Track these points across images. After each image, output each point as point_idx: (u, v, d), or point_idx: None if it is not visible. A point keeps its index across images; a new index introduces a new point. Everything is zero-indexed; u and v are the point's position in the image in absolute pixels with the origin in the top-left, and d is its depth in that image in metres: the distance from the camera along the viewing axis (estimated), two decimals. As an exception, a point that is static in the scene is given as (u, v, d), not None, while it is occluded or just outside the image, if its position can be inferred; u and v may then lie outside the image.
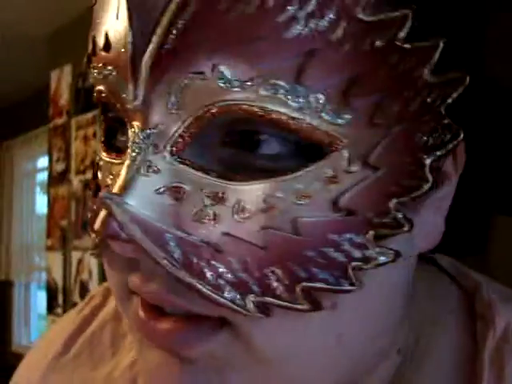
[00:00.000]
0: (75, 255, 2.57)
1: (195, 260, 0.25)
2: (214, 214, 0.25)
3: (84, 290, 2.48)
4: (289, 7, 0.23)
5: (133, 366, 0.40)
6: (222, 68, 0.24)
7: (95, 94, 0.30)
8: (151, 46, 0.25)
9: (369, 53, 0.24)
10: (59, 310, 2.70)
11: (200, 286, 0.25)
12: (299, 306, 0.25)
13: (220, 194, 0.25)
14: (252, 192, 0.25)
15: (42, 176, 3.70)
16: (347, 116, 0.25)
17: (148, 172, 0.26)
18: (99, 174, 0.31)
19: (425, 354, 0.33)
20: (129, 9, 0.25)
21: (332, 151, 0.25)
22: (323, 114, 0.24)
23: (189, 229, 0.25)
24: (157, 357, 0.29)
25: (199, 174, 0.25)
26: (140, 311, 0.29)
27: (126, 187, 0.25)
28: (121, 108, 0.27)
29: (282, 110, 0.24)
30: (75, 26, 2.62)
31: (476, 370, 0.32)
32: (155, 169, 0.26)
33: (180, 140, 0.26)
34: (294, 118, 0.24)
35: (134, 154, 0.26)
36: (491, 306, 0.34)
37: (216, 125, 0.25)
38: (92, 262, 2.46)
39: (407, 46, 0.24)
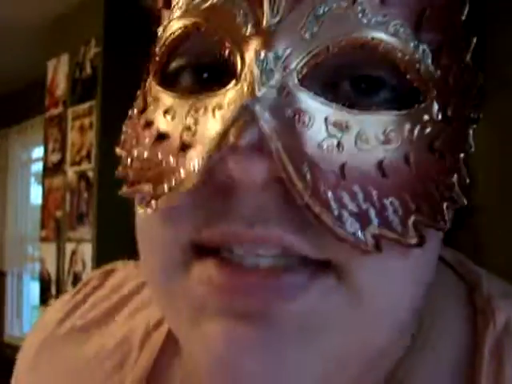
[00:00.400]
0: (69, 246, 2.57)
1: (322, 187, 0.25)
2: (338, 143, 0.25)
3: (77, 281, 2.48)
4: None
5: (122, 343, 0.39)
6: (362, 1, 0.26)
7: (169, 36, 0.29)
8: None
9: (457, 21, 0.28)
10: (52, 302, 2.69)
11: (325, 217, 0.25)
12: (411, 241, 0.26)
13: (344, 123, 0.26)
14: (373, 123, 0.26)
15: (37, 166, 3.69)
16: (438, 71, 0.27)
17: (280, 91, 0.25)
18: (163, 120, 0.28)
19: (425, 345, 0.33)
20: None
21: (426, 99, 0.27)
22: (427, 64, 0.27)
23: (315, 156, 0.25)
24: (225, 327, 0.26)
25: (323, 100, 0.26)
26: (214, 271, 0.27)
27: (258, 101, 0.24)
28: (231, 40, 0.26)
29: (401, 48, 0.26)
30: (73, 16, 2.60)
31: (476, 363, 0.32)
32: (286, 91, 0.25)
33: (306, 66, 0.26)
34: (408, 59, 0.26)
35: (261, 72, 0.25)
36: (491, 300, 0.34)
37: (337, 59, 0.26)
38: (86, 254, 2.45)
39: None
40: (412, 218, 0.26)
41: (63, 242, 2.62)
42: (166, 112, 0.28)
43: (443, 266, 0.37)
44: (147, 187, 0.27)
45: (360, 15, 0.26)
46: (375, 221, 0.25)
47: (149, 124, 0.29)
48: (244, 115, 0.24)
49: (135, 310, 0.41)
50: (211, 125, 0.26)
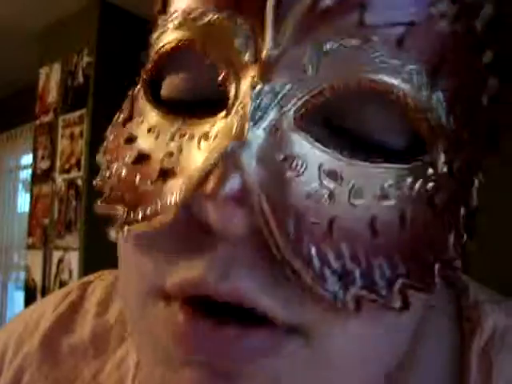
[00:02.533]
0: (56, 254, 2.54)
1: (306, 243, 0.23)
2: (330, 194, 0.23)
3: (63, 290, 2.45)
4: (441, 2, 0.25)
5: (119, 366, 0.38)
6: (377, 41, 0.23)
7: (161, 48, 0.27)
8: (306, 0, 0.23)
9: (474, 65, 0.26)
10: (37, 310, 2.66)
11: (305, 274, 0.23)
12: (394, 304, 0.24)
13: (339, 173, 0.23)
14: (371, 177, 0.24)
15: (25, 174, 3.65)
16: (451, 120, 0.25)
17: (272, 134, 0.23)
18: (145, 139, 0.26)
19: (412, 354, 0.33)
20: None
21: (433, 151, 0.25)
22: (439, 113, 0.25)
23: (303, 207, 0.23)
24: (194, 376, 0.25)
25: (319, 146, 0.23)
26: (181, 318, 0.24)
27: (247, 145, 0.22)
28: (225, 64, 0.24)
29: (414, 96, 0.24)
30: (66, 24, 2.60)
31: (463, 371, 0.32)
32: (279, 133, 0.23)
33: (304, 106, 0.23)
34: (420, 108, 0.24)
35: (255, 109, 0.22)
36: (478, 307, 0.34)
37: (339, 101, 0.24)
38: (73, 262, 2.43)
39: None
40: (399, 282, 0.24)
41: (50, 250, 2.59)
42: (149, 130, 0.26)
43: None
44: (121, 210, 0.26)
45: (372, 56, 0.23)
46: (359, 282, 0.23)
47: (131, 139, 0.27)
48: (227, 161, 0.22)
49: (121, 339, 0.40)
50: (194, 157, 0.24)
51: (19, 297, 3.33)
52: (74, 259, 2.43)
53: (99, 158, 0.30)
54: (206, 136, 0.24)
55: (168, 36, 0.27)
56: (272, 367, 0.25)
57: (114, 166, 0.28)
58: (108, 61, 2.42)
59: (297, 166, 0.23)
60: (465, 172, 0.27)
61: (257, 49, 0.23)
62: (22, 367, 0.40)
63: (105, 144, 0.30)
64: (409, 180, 0.24)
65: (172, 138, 0.25)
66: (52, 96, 2.69)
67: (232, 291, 0.24)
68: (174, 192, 0.24)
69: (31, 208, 2.80)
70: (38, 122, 2.78)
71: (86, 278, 0.45)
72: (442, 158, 0.25)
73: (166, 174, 0.25)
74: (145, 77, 0.28)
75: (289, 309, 0.24)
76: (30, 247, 2.78)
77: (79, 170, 2.46)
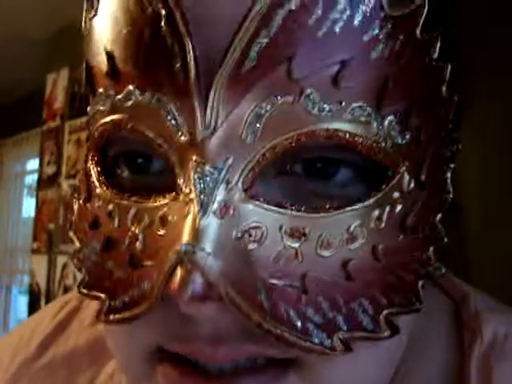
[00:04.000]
0: (61, 259, 2.54)
1: (283, 307, 0.23)
2: (296, 253, 0.23)
3: (67, 295, 2.45)
4: (373, 27, 0.23)
5: (112, 377, 0.38)
6: (311, 91, 0.22)
7: (99, 127, 0.26)
8: (225, 65, 0.22)
9: (424, 71, 0.25)
10: (40, 315, 2.66)
11: (288, 336, 0.23)
12: (384, 334, 0.24)
13: (301, 230, 0.23)
14: (335, 223, 0.23)
15: (31, 179, 3.67)
16: (407, 136, 0.24)
17: (223, 215, 0.22)
18: (108, 223, 0.26)
19: (412, 363, 0.33)
20: (183, 16, 0.22)
21: (396, 173, 0.24)
22: (393, 136, 0.24)
23: (272, 273, 0.23)
24: None
25: (275, 209, 0.23)
26: (177, 378, 0.26)
27: (198, 236, 0.22)
28: (163, 140, 0.23)
29: (362, 133, 0.23)
30: (74, 30, 2.62)
31: (463, 380, 0.32)
32: (231, 210, 0.22)
33: (251, 173, 0.23)
34: (371, 143, 0.23)
35: (200, 193, 0.22)
36: (478, 316, 0.34)
37: (284, 153, 0.23)
38: (77, 268, 2.43)
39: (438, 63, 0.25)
40: (384, 313, 0.24)
41: (55, 255, 2.59)
42: (109, 214, 0.26)
43: (429, 285, 0.37)
44: (103, 297, 0.26)
45: (310, 107, 0.22)
46: (343, 326, 0.24)
47: (95, 225, 0.27)
48: (185, 263, 0.22)
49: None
50: (157, 243, 0.24)
51: (23, 301, 3.34)
52: (78, 264, 2.43)
53: (71, 235, 0.30)
54: (161, 220, 0.24)
55: (101, 117, 0.26)
56: None
57: (86, 251, 0.28)
58: (115, 67, 2.43)
59: (256, 235, 0.23)
60: (435, 173, 0.26)
61: (189, 128, 0.23)
62: (18, 375, 0.41)
63: (73, 221, 0.30)
64: (375, 213, 0.24)
65: (132, 223, 0.25)
66: (59, 102, 2.71)
67: (230, 354, 0.25)
68: (146, 282, 0.24)
69: (37, 213, 2.81)
70: (44, 127, 2.80)
71: None
72: (407, 177, 0.25)
73: (134, 260, 0.25)
74: (91, 156, 0.28)
75: (284, 349, 0.24)
76: (34, 252, 2.79)
77: (85, 175, 2.47)
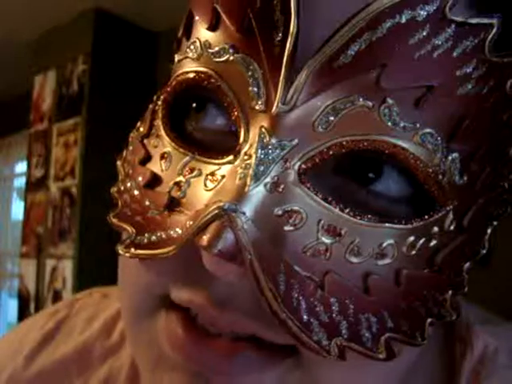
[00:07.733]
0: (49, 263, 2.52)
1: (296, 295, 0.23)
2: (326, 249, 0.23)
3: (57, 298, 2.43)
4: (468, 64, 0.23)
5: (106, 381, 0.38)
6: (392, 104, 0.23)
7: (182, 74, 0.27)
8: (322, 52, 0.22)
9: (499, 125, 0.25)
10: (30, 319, 2.63)
11: (291, 324, 0.23)
12: (379, 356, 0.24)
13: (338, 229, 0.23)
14: (371, 234, 0.24)
15: (19, 181, 3.64)
16: (465, 178, 0.25)
17: (273, 189, 0.23)
18: (159, 163, 0.27)
19: (406, 377, 0.33)
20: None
21: (442, 209, 0.25)
22: (452, 173, 0.24)
23: (297, 260, 0.23)
24: (178, 381, 0.27)
25: (321, 201, 0.23)
26: (179, 329, 0.27)
27: (243, 200, 0.22)
28: (238, 104, 0.24)
29: (425, 159, 0.24)
30: (61, 32, 2.60)
31: None
32: (280, 188, 0.23)
33: (310, 161, 0.23)
34: (431, 172, 0.24)
35: (259, 161, 0.23)
36: (469, 328, 0.34)
37: (346, 153, 0.24)
38: (66, 270, 2.41)
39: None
40: (386, 335, 0.24)
41: (44, 259, 2.58)
42: (163, 156, 0.27)
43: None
44: (130, 231, 0.27)
45: (386, 118, 0.23)
46: (345, 334, 0.24)
47: (146, 160, 0.28)
48: (223, 219, 0.22)
49: (111, 349, 0.41)
50: (200, 196, 0.25)
51: (12, 305, 3.31)
52: (67, 267, 2.41)
53: (119, 164, 0.31)
54: (212, 176, 0.25)
55: (187, 64, 0.27)
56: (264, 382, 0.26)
57: (128, 184, 0.29)
58: (103, 68, 2.41)
59: (295, 220, 0.23)
60: (477, 223, 0.26)
61: (268, 99, 0.24)
62: None
63: (124, 153, 0.31)
64: (410, 239, 0.24)
65: (182, 170, 0.26)
66: (47, 104, 2.69)
67: (232, 323, 0.25)
68: (178, 229, 0.25)
69: (25, 216, 2.79)
70: (32, 129, 2.77)
71: (74, 296, 0.45)
72: (451, 216, 0.25)
73: (173, 206, 0.26)
74: (163, 97, 0.29)
75: (285, 336, 0.24)
76: (23, 255, 2.76)
77: (73, 177, 2.45)
